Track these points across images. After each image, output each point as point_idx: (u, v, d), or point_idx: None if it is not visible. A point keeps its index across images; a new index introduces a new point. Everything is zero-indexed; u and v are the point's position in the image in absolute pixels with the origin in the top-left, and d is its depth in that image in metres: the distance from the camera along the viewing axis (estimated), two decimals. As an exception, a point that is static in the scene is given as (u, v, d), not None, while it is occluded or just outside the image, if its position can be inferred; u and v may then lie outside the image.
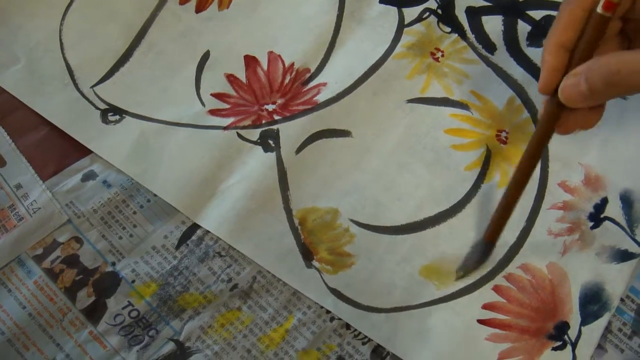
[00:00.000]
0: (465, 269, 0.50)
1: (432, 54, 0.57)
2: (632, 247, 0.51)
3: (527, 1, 0.59)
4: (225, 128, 0.52)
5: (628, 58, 0.37)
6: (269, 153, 0.52)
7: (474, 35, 0.58)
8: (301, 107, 0.53)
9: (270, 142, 0.52)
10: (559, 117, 0.43)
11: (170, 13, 0.57)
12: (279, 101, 0.54)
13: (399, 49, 0.56)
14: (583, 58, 0.40)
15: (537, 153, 0.45)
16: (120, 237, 0.49)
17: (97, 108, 0.53)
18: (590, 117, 0.44)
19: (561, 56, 0.42)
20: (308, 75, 0.55)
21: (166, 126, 0.53)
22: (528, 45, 0.57)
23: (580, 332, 0.48)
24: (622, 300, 0.50)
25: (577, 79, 0.40)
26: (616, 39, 0.44)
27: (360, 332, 0.48)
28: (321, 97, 0.54)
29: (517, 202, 0.47)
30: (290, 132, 0.52)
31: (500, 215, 0.48)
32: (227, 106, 0.53)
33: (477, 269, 0.50)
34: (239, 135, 0.52)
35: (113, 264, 0.49)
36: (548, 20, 0.58)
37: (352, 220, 0.50)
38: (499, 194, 0.51)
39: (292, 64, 0.55)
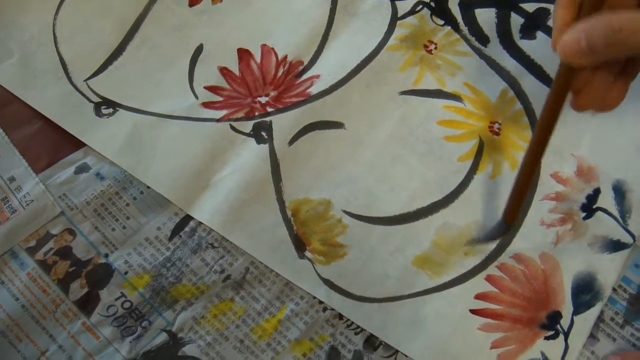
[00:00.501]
0: (477, 243, 0.50)
1: (425, 46, 0.57)
2: (624, 237, 0.50)
3: (520, -6, 0.59)
4: (218, 120, 0.52)
5: (632, 17, 0.35)
6: (261, 145, 0.52)
7: (467, 28, 0.58)
8: (294, 99, 0.53)
9: (263, 134, 0.52)
10: (571, 81, 0.41)
11: (164, 7, 0.57)
12: (272, 93, 0.54)
13: (392, 41, 0.56)
14: (588, 13, 0.39)
15: (550, 123, 0.44)
16: (113, 229, 0.49)
17: (91, 101, 0.53)
18: (609, 96, 0.42)
19: (573, 11, 0.40)
20: (301, 67, 0.55)
21: (159, 119, 0.52)
22: (521, 38, 0.57)
23: (572, 321, 0.48)
24: (614, 289, 0.49)
25: (578, 34, 0.38)
26: None
27: (353, 322, 0.48)
28: (314, 90, 0.54)
29: (532, 176, 0.47)
30: (283, 124, 0.52)
31: (518, 193, 0.47)
32: (220, 99, 0.53)
33: (487, 244, 0.50)
34: (232, 128, 0.52)
35: (106, 255, 0.49)
36: (541, 12, 0.58)
37: (344, 211, 0.50)
38: (491, 185, 0.51)
39: (285, 57, 0.55)
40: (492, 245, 0.50)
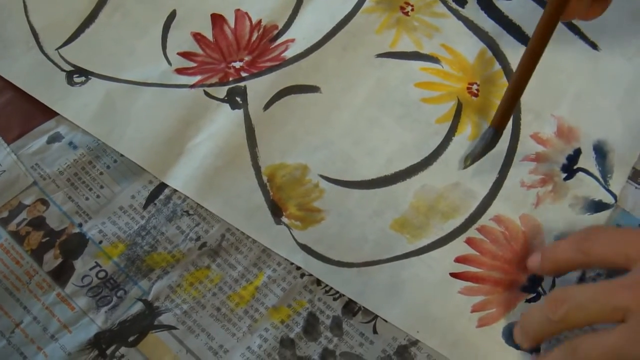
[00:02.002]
0: (473, 157, 0.49)
1: (402, 8, 0.54)
2: (605, 198, 0.49)
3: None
4: (192, 86, 0.50)
5: None
6: (236, 110, 0.50)
7: (444, -11, 0.55)
8: (269, 64, 0.51)
9: (238, 99, 0.50)
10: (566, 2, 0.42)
11: (137, -27, 0.54)
12: (247, 58, 0.52)
13: (367, 3, 0.54)
14: None
15: (545, 34, 0.44)
16: (87, 198, 0.47)
17: (62, 70, 0.51)
18: (593, 8, 0.43)
19: None
20: (276, 32, 0.53)
21: (132, 86, 0.51)
22: (499, -2, 0.55)
23: (554, 283, 0.47)
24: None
25: None
26: None
27: (331, 288, 0.46)
28: (289, 54, 0.52)
29: (525, 86, 0.46)
30: (258, 88, 0.50)
31: (508, 100, 0.46)
32: (194, 65, 0.51)
33: (483, 156, 0.49)
34: (206, 93, 0.50)
35: (80, 225, 0.47)
36: (520, -28, 0.55)
37: (321, 176, 0.48)
38: (470, 146, 0.49)
39: (260, 21, 0.53)
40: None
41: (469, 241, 0.47)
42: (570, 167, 0.49)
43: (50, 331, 0.44)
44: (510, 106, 0.47)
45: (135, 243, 0.47)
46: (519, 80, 0.46)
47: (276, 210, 0.47)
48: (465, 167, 0.49)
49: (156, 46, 0.52)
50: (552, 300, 0.40)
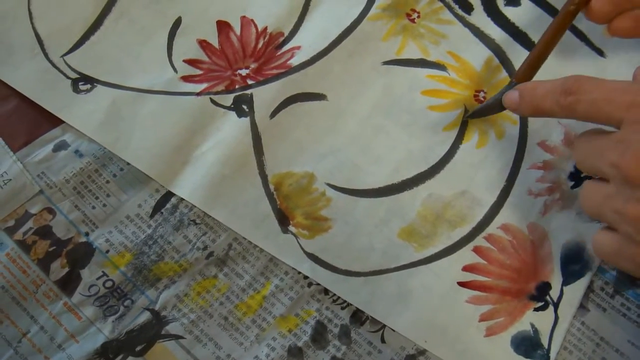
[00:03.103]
0: (482, 109, 0.48)
1: (408, 15, 0.54)
2: (613, 206, 0.47)
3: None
4: (198, 94, 0.50)
5: None
6: (242, 118, 0.49)
7: (450, -5, 0.55)
8: (275, 71, 0.51)
9: (244, 107, 0.49)
10: None
11: (142, -21, 0.53)
12: (253, 66, 0.51)
13: (373, 10, 0.53)
14: None
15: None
16: (94, 207, 0.47)
17: (68, 77, 0.50)
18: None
19: None
20: (282, 39, 0.52)
21: (138, 94, 0.50)
22: (505, 5, 0.54)
23: (562, 292, 0.46)
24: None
25: None
26: None
27: (339, 297, 0.45)
28: (295, 61, 0.51)
29: (556, 42, 0.45)
30: (264, 96, 0.50)
31: (535, 56, 0.45)
32: (200, 72, 0.51)
33: (494, 113, 0.48)
34: (212, 101, 0.49)
35: (86, 234, 0.46)
36: (526, -21, 0.55)
37: (328, 184, 0.48)
38: (477, 154, 0.49)
39: (265, 28, 0.52)
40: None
41: (477, 250, 0.47)
42: (577, 175, 0.49)
43: (57, 341, 0.44)
44: (537, 61, 0.45)
45: (142, 252, 0.46)
46: (552, 33, 0.45)
47: (283, 219, 0.47)
48: (468, 117, 0.50)
49: (162, 53, 0.52)
50: (566, 86, 0.39)
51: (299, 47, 0.52)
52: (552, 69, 0.47)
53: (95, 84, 0.50)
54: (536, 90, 0.41)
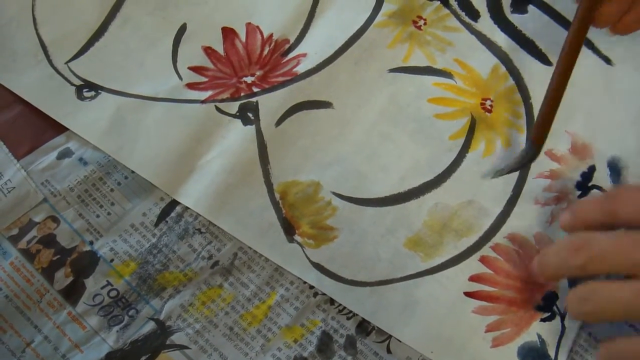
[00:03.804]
0: (509, 170, 0.48)
1: (414, 22, 0.53)
2: (620, 215, 0.47)
3: (511, -34, 0.55)
4: (203, 102, 0.49)
5: None
6: (248, 126, 0.48)
7: (456, 3, 0.54)
8: (280, 79, 0.50)
9: (250, 115, 0.49)
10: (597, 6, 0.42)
11: (146, -15, 0.53)
12: (258, 73, 0.50)
13: (380, 17, 0.53)
14: None
15: (578, 42, 0.44)
16: (98, 216, 0.46)
17: (72, 84, 0.50)
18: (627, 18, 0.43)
19: None
20: (287, 46, 0.52)
21: (143, 101, 0.49)
22: (512, 12, 0.54)
23: None
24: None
25: None
26: None
27: (344, 307, 0.45)
28: (301, 68, 0.51)
29: (561, 99, 0.45)
30: (270, 104, 0.49)
31: (546, 115, 0.45)
32: (205, 79, 0.50)
33: (518, 170, 0.48)
34: (218, 109, 0.49)
35: (91, 243, 0.46)
36: (533, -15, 0.54)
37: (334, 193, 0.47)
38: (484, 163, 0.48)
39: (271, 35, 0.52)
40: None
41: (483, 260, 0.46)
42: (584, 185, 0.49)
43: (61, 351, 0.43)
44: (548, 119, 0.46)
45: (147, 261, 0.46)
46: (555, 90, 0.45)
47: (289, 229, 0.46)
48: (492, 177, 0.49)
49: (167, 60, 0.51)
50: (574, 245, 0.39)
51: (304, 55, 0.52)
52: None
53: (99, 90, 0.50)
54: (583, 209, 0.42)
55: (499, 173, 0.48)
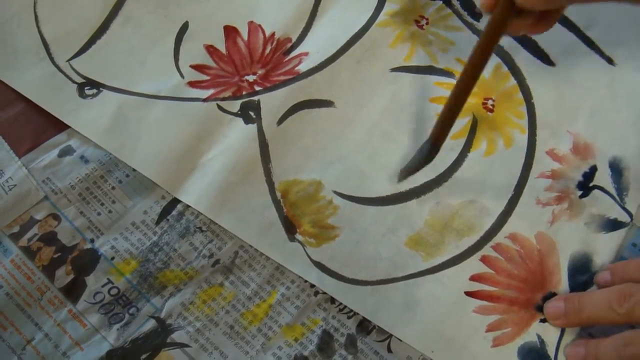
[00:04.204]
0: (409, 170, 0.46)
1: (417, 21, 0.53)
2: (621, 216, 0.47)
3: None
4: (205, 100, 0.49)
5: None
6: (250, 125, 0.48)
7: (458, 2, 0.54)
8: (282, 78, 0.50)
9: (251, 113, 0.48)
10: (510, 20, 0.40)
11: (148, -17, 0.53)
12: (260, 72, 0.50)
13: (382, 17, 0.53)
14: None
15: (485, 53, 0.42)
16: (99, 214, 0.46)
17: (74, 82, 0.50)
18: (541, 25, 0.41)
19: None
20: (289, 45, 0.52)
21: (144, 99, 0.49)
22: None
23: None
24: (611, 269, 0.46)
25: None
26: None
27: (345, 306, 0.45)
28: (303, 67, 0.51)
29: (464, 102, 0.43)
30: (272, 103, 0.49)
31: (447, 115, 0.43)
32: (207, 78, 0.50)
33: (418, 170, 0.46)
34: (219, 107, 0.49)
35: (92, 240, 0.46)
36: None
37: (335, 192, 0.47)
38: (486, 162, 0.48)
39: (273, 34, 0.52)
40: (422, 176, 0.48)
41: (484, 259, 0.46)
42: (586, 185, 0.48)
43: (61, 348, 0.43)
44: (450, 120, 0.44)
45: (148, 260, 0.45)
46: (458, 95, 0.43)
47: (290, 227, 0.46)
48: (399, 182, 0.48)
49: (169, 58, 0.51)
50: (620, 293, 0.40)
51: (306, 54, 0.51)
52: (562, 77, 0.46)
53: (101, 88, 0.50)
54: (599, 351, 0.42)
55: (402, 175, 0.47)
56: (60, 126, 0.49)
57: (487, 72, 0.51)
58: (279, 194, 0.47)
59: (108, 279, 0.45)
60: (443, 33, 0.53)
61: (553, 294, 0.45)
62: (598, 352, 0.41)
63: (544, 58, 0.52)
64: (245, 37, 0.52)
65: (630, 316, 0.39)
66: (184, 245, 0.46)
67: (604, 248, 0.47)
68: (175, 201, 0.47)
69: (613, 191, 0.48)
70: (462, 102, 0.43)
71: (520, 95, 0.51)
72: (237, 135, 0.48)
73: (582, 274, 0.46)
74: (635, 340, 0.39)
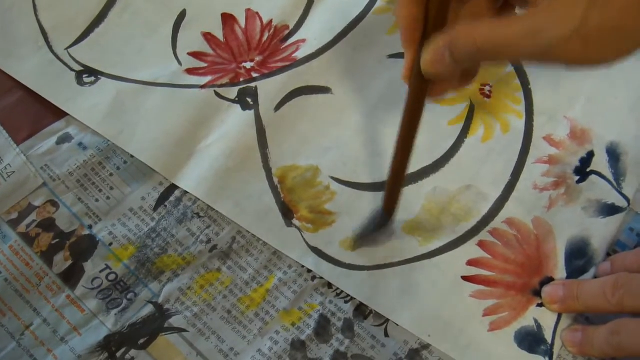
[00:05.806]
0: (364, 238, 0.46)
1: (414, 8, 0.52)
2: (618, 201, 0.47)
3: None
4: (202, 87, 0.49)
5: (496, 33, 0.31)
6: (247, 111, 0.48)
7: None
8: (280, 64, 0.50)
9: (249, 100, 0.48)
10: (427, 86, 0.37)
11: (146, -29, 0.53)
12: (257, 59, 0.50)
13: (379, 3, 0.53)
14: (437, 25, 0.34)
15: (413, 125, 0.39)
16: (97, 200, 0.46)
17: (72, 70, 0.50)
18: (463, 80, 0.39)
19: (419, 8, 0.35)
20: (287, 32, 0.52)
21: (142, 86, 0.49)
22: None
23: None
24: (608, 254, 0.46)
25: (441, 51, 0.34)
26: None
27: (342, 291, 0.44)
28: (300, 54, 0.50)
29: (406, 170, 0.41)
30: (269, 89, 0.49)
31: (392, 185, 0.42)
32: (205, 65, 0.50)
33: (375, 242, 0.46)
34: (217, 94, 0.49)
35: (90, 227, 0.45)
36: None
37: (332, 178, 0.47)
38: (483, 148, 0.48)
39: (271, 21, 0.52)
40: (378, 245, 0.46)
41: (481, 244, 0.46)
42: (583, 170, 0.48)
43: (60, 333, 0.43)
44: (397, 189, 0.43)
45: (146, 245, 0.45)
46: (398, 164, 0.41)
47: (287, 213, 0.46)
48: (353, 250, 0.46)
49: (166, 46, 0.51)
50: (614, 282, 0.40)
51: (304, 40, 0.51)
52: (559, 73, 0.46)
53: (99, 76, 0.50)
54: (593, 339, 0.42)
55: (355, 240, 0.46)
56: (59, 113, 0.49)
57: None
58: (276, 180, 0.47)
59: (106, 264, 0.45)
60: (440, 19, 0.52)
61: (550, 279, 0.45)
62: (593, 339, 0.41)
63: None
64: (243, 25, 0.52)
65: (620, 305, 0.40)
66: (182, 231, 0.46)
67: (601, 233, 0.46)
68: (173, 187, 0.47)
69: (610, 176, 0.48)
70: (403, 170, 0.41)
71: (517, 81, 0.51)
72: (235, 121, 0.48)
73: (579, 258, 0.46)
74: (620, 329, 0.39)
